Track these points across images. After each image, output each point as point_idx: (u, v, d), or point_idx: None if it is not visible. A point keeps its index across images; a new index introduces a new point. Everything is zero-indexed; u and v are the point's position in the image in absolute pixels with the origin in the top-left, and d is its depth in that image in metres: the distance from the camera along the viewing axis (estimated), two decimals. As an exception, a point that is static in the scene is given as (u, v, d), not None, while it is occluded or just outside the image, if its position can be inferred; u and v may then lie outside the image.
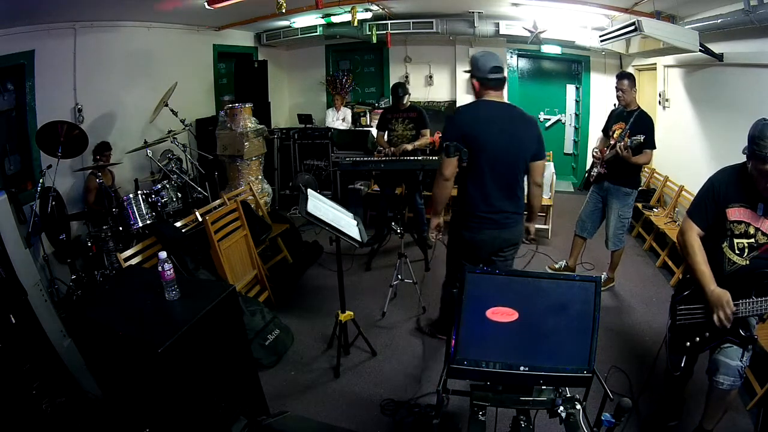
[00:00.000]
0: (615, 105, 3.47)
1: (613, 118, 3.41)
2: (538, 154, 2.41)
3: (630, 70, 6.00)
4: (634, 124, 3.16)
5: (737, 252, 1.83)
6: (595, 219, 3.59)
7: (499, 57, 2.38)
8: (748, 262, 1.81)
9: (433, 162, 3.75)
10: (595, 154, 3.48)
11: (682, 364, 1.93)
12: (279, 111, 7.18)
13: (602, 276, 3.67)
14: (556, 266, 3.96)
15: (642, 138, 3.00)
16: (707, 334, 1.84)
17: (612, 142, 3.31)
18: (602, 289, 3.61)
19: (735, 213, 1.83)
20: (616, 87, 3.26)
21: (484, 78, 2.32)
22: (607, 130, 3.47)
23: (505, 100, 2.46)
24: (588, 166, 3.86)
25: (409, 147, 4.20)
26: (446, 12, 5.68)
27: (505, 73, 2.42)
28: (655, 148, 3.16)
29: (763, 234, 1.78)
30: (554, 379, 1.46)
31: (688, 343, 1.90)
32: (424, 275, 3.88)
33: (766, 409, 2.04)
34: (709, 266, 1.82)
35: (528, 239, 2.77)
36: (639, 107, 3.23)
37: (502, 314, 1.44)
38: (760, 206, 1.78)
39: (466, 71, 2.44)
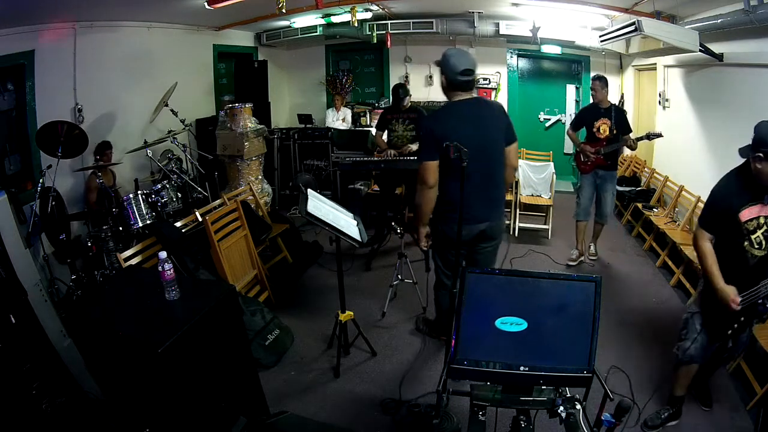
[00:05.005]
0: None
1: (590, 115, 3.90)
2: (510, 138, 2.46)
3: (630, 70, 6.04)
4: (617, 119, 3.77)
5: (756, 246, 1.95)
6: (592, 202, 4.06)
7: (472, 58, 2.32)
8: None
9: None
10: (588, 150, 3.86)
11: (729, 344, 2.18)
12: (279, 111, 7.17)
13: (590, 247, 4.24)
14: (573, 256, 4.14)
15: (660, 132, 3.72)
16: (742, 318, 2.01)
17: (601, 136, 3.81)
18: (592, 259, 4.14)
19: (747, 213, 1.93)
20: (591, 87, 3.92)
21: (453, 79, 2.31)
22: (586, 126, 3.91)
23: (473, 95, 2.44)
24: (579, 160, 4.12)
25: (414, 147, 4.18)
26: (446, 12, 5.68)
27: (476, 75, 2.37)
28: (632, 131, 3.91)
29: None
30: (554, 379, 1.46)
31: (730, 331, 2.05)
32: (425, 275, 3.88)
33: (766, 409, 2.06)
34: (718, 267, 1.98)
35: None
36: (611, 103, 3.88)
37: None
38: (767, 197, 1.90)
39: (436, 62, 2.40)
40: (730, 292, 1.92)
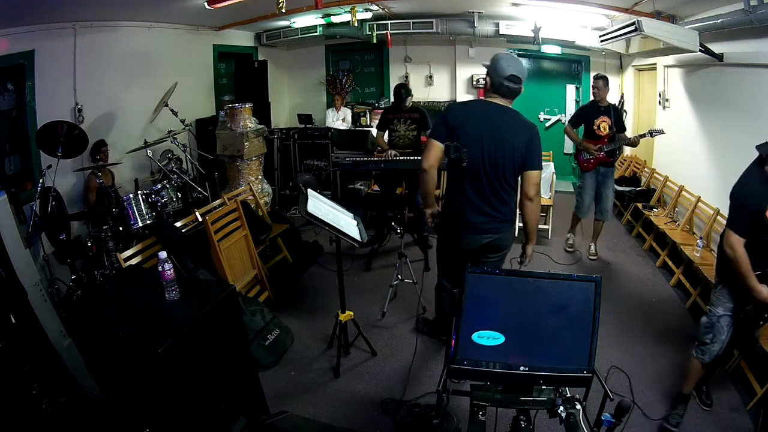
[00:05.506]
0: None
1: (590, 112, 4.02)
2: (528, 162, 2.27)
3: (630, 70, 6.04)
4: (616, 117, 3.94)
5: None
6: (592, 200, 4.15)
7: (522, 66, 2.26)
8: None
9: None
10: (593, 149, 3.94)
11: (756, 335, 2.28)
12: (279, 111, 7.17)
13: (590, 246, 4.27)
14: (570, 241, 4.33)
15: (662, 129, 3.86)
16: None
17: (602, 134, 3.93)
18: (592, 258, 4.19)
19: None
20: (593, 85, 4.03)
21: (498, 82, 2.26)
22: (586, 124, 4.02)
23: (508, 105, 2.36)
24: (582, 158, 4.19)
25: None
26: (446, 12, 5.68)
27: (521, 85, 2.29)
28: (626, 129, 4.15)
29: None
30: (554, 379, 1.46)
31: (761, 322, 2.16)
32: (424, 275, 3.88)
33: (766, 409, 2.06)
34: (752, 271, 2.02)
35: (522, 260, 2.59)
36: (609, 102, 4.03)
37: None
38: None
39: (485, 65, 2.35)
40: (767, 291, 2.01)
